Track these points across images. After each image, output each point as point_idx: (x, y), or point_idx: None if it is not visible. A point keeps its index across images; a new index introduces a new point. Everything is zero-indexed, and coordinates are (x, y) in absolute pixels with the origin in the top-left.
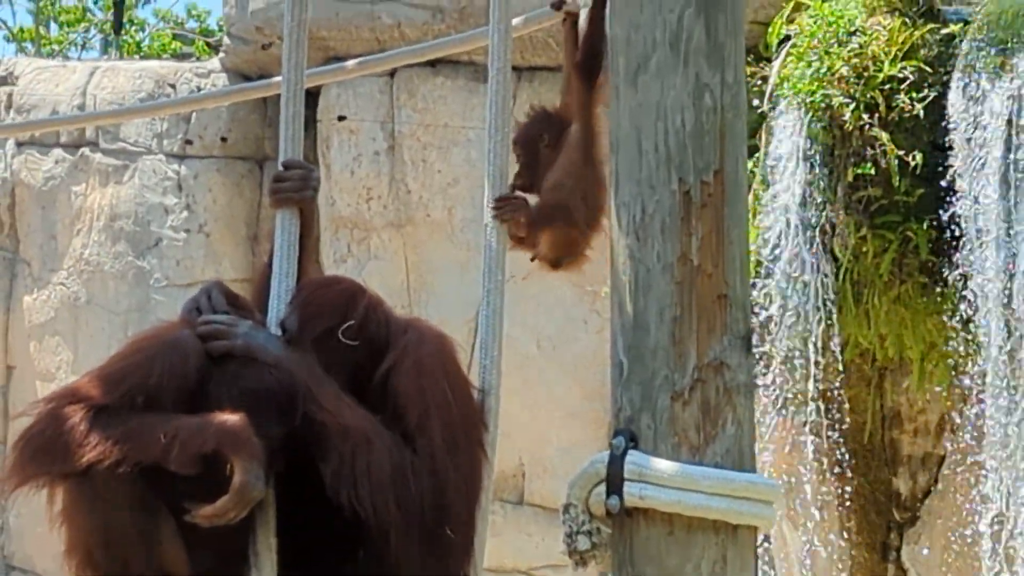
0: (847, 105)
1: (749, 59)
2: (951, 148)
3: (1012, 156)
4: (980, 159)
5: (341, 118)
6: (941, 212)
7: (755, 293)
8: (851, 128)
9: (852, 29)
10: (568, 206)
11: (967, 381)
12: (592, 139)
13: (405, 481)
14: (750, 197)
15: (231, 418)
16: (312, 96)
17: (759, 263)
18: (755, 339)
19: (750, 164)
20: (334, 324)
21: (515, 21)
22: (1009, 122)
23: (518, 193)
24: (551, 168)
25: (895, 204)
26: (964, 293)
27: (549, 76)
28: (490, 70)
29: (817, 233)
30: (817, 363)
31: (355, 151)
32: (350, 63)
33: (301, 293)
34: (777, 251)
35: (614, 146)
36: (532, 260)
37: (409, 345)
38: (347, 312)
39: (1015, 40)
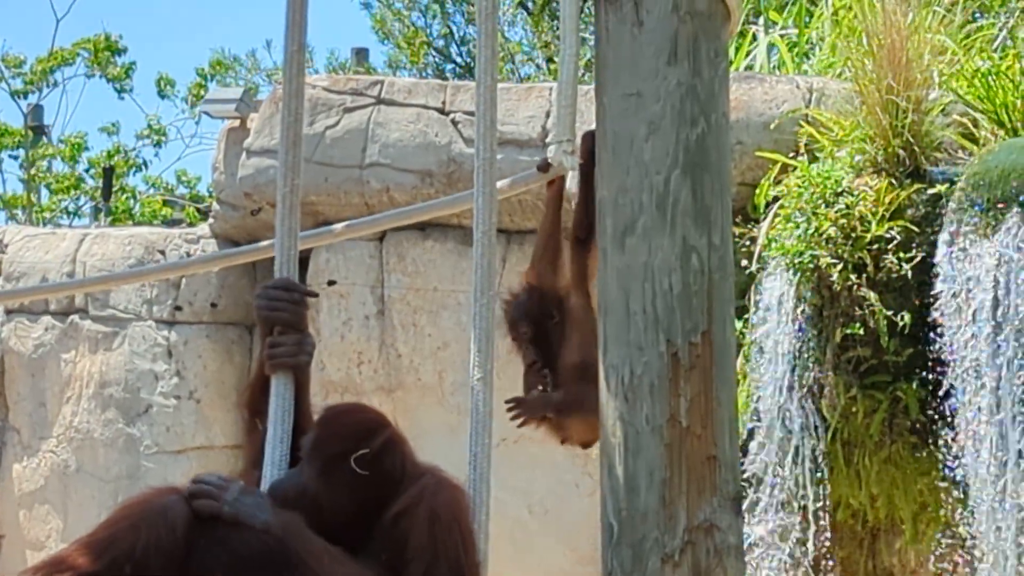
0: (835, 265)
1: (737, 220)
2: (940, 309)
3: (1000, 312)
4: (968, 317)
5: (331, 282)
6: (927, 374)
7: (747, 457)
8: (839, 288)
9: (839, 190)
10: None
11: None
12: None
13: None
14: (739, 359)
15: None
16: (302, 261)
17: (750, 429)
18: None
19: (738, 325)
20: (348, 449)
21: (500, 184)
22: (996, 281)
23: (534, 392)
24: (565, 347)
25: (884, 364)
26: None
27: None
28: (475, 233)
29: (806, 393)
30: (807, 525)
31: (345, 315)
32: (339, 226)
33: (324, 414)
34: (767, 413)
35: (603, 308)
36: (562, 443)
37: (426, 491)
38: (364, 439)
39: (1001, 200)
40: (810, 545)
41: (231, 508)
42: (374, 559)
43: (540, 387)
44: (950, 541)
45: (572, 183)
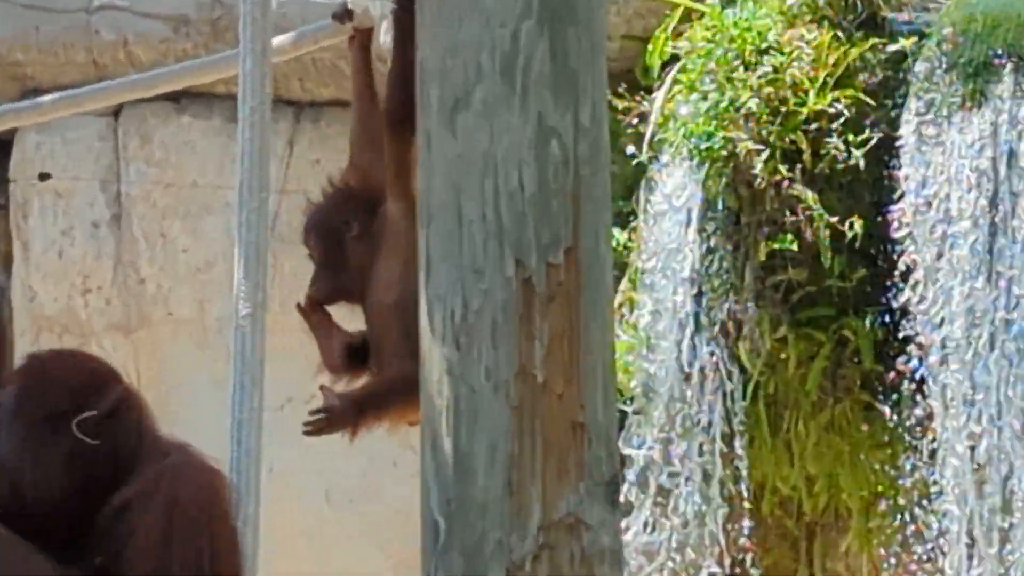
0: (758, 153)
1: (618, 90)
2: (904, 212)
3: (989, 219)
4: (944, 225)
5: (44, 176)
6: (891, 301)
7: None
8: (764, 185)
9: (764, 46)
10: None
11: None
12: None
13: None
14: (622, 283)
15: None
16: (2, 146)
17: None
18: (627, 484)
19: (622, 237)
20: (61, 409)
21: (280, 39)
22: (981, 174)
23: (328, 395)
24: (375, 277)
25: (826, 292)
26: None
27: (340, 113)
28: (240, 108)
29: (717, 333)
30: (718, 517)
31: (65, 223)
32: (50, 97)
33: (25, 364)
34: (661, 359)
35: (424, 216)
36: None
37: (167, 473)
38: (86, 397)
39: (991, 60)
40: (721, 548)
41: None
42: (87, 563)
43: (326, 334)
44: (914, 540)
45: (386, 38)
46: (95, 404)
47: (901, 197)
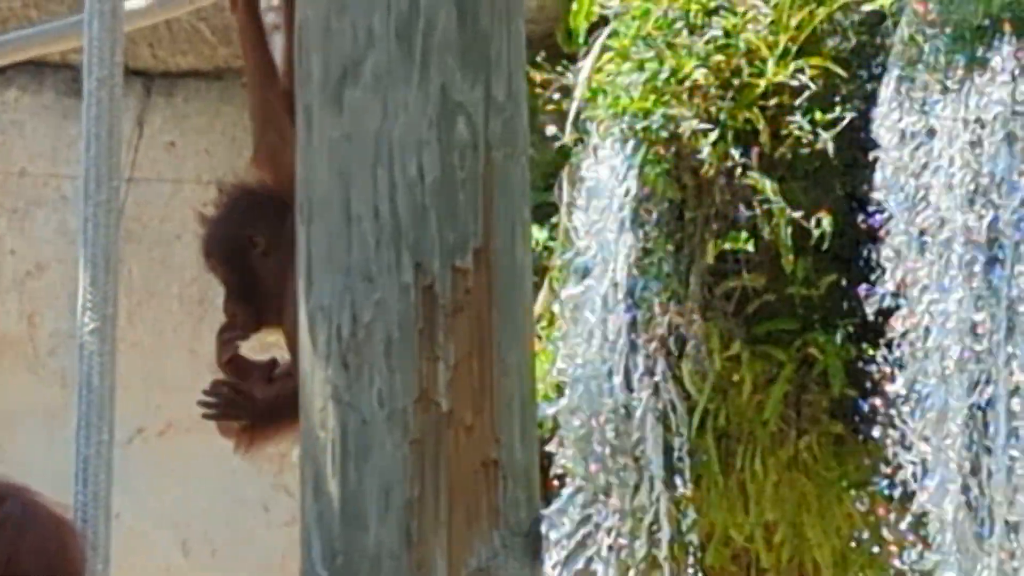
0: (705, 134)
1: (538, 59)
2: (880, 204)
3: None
4: (930, 220)
5: None
6: (866, 313)
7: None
8: (712, 173)
9: (713, 5)
10: None
11: None
12: None
13: None
14: (541, 293)
15: None
16: None
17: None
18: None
19: (541, 235)
20: None
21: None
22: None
23: (224, 390)
24: (285, 295)
25: (788, 302)
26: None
27: (201, 86)
28: (86, 82)
29: (656, 352)
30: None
31: None
32: None
33: None
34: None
35: (304, 212)
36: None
37: (4, 525)
38: None
39: (984, 22)
40: None
41: None
42: None
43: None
44: None
45: None
46: None
47: (877, 188)
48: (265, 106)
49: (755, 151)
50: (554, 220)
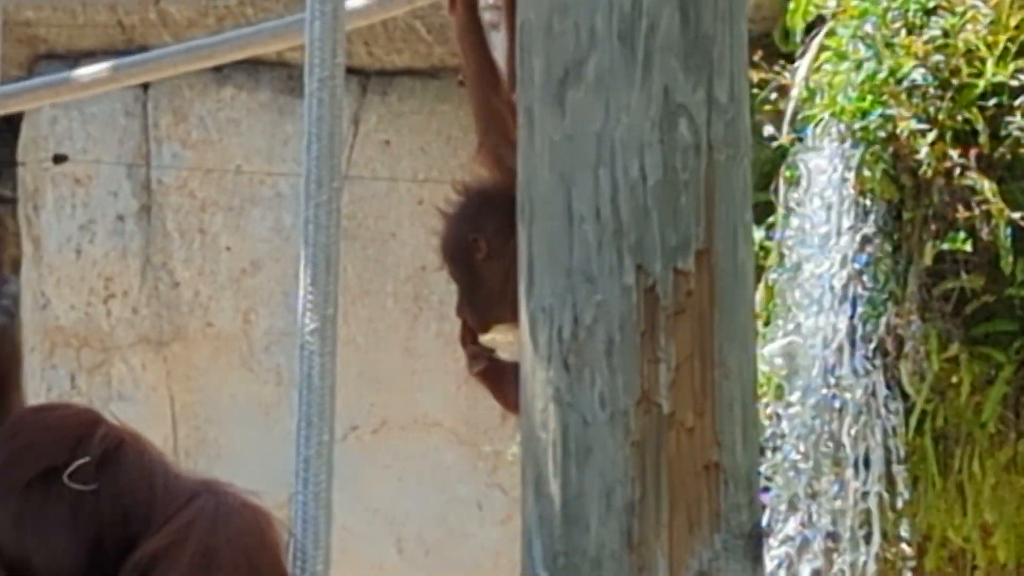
0: (923, 134)
1: (756, 59)
2: None
3: None
4: None
5: (59, 158)
6: None
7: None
8: (931, 173)
9: (932, 4)
10: None
11: None
12: None
13: None
14: (759, 292)
15: None
16: (7, 122)
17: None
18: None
19: (758, 237)
20: (58, 463)
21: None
22: None
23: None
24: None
25: (1007, 303)
26: None
27: (417, 85)
28: (308, 80)
29: (874, 353)
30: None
31: (84, 215)
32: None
33: (9, 423)
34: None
35: (525, 213)
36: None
37: (199, 519)
38: (78, 445)
39: None
40: None
41: None
42: None
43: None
44: None
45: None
46: (82, 448)
47: None
48: (487, 106)
49: (974, 152)
50: (770, 220)
